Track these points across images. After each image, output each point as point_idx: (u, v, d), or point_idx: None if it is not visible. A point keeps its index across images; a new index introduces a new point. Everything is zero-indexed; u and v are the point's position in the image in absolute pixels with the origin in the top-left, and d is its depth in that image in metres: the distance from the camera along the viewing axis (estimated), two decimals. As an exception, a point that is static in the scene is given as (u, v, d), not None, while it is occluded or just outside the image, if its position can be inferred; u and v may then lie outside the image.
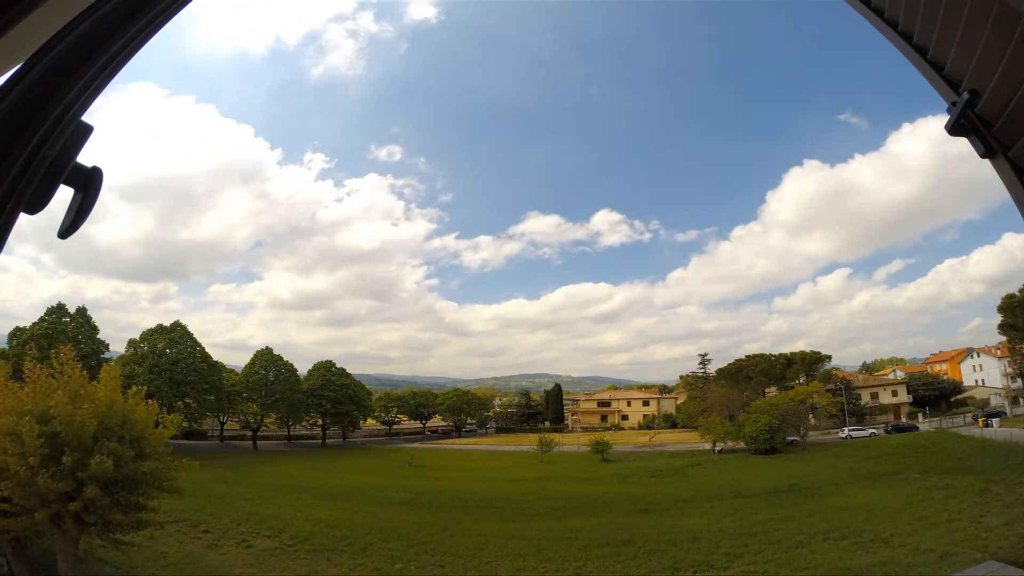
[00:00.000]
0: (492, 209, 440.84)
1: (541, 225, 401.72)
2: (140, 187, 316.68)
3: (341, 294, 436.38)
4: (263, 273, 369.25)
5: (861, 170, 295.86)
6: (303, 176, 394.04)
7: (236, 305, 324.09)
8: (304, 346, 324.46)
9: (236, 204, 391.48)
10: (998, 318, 51.02)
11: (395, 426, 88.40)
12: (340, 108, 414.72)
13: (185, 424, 53.42)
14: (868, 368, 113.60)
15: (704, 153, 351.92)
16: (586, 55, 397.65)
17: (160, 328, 56.69)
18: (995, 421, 49.22)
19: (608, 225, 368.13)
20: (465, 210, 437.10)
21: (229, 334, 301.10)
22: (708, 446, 51.12)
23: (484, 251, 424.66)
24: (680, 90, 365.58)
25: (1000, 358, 68.83)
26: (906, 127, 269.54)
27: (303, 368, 70.82)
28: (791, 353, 69.56)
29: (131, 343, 55.52)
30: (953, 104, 2.02)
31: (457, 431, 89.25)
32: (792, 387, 60.18)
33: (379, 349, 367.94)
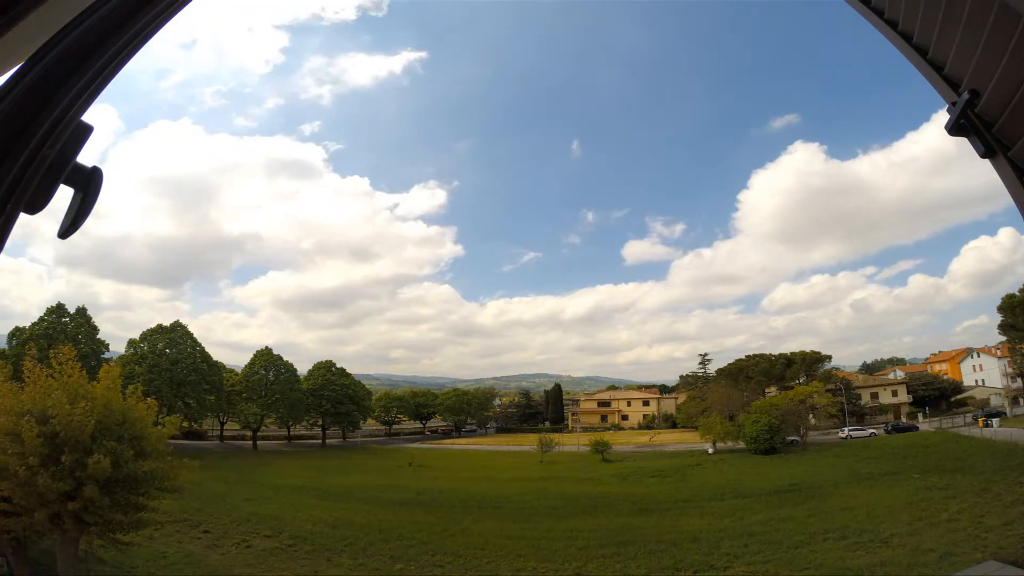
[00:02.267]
0: (502, 213, 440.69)
1: (542, 227, 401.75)
2: (159, 184, 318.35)
3: (348, 295, 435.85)
4: (272, 274, 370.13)
5: (860, 171, 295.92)
6: (330, 178, 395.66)
7: (244, 306, 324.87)
8: (305, 346, 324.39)
9: (248, 203, 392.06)
10: (998, 317, 51.12)
11: (395, 426, 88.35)
12: (378, 114, 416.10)
13: (185, 424, 53.51)
14: (868, 368, 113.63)
15: (697, 152, 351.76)
16: (595, 60, 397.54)
17: (160, 328, 56.67)
18: (995, 421, 49.14)
19: (607, 226, 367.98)
20: (476, 214, 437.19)
21: (236, 335, 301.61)
22: (708, 446, 51.13)
23: (495, 252, 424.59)
24: (680, 90, 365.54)
25: (1000, 358, 68.78)
26: (908, 125, 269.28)
27: (304, 368, 71.02)
28: (791, 353, 69.52)
29: (131, 343, 55.53)
30: (953, 104, 2.02)
31: (457, 431, 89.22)
32: (792, 387, 60.13)
33: (381, 349, 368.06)
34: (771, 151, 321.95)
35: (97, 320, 52.85)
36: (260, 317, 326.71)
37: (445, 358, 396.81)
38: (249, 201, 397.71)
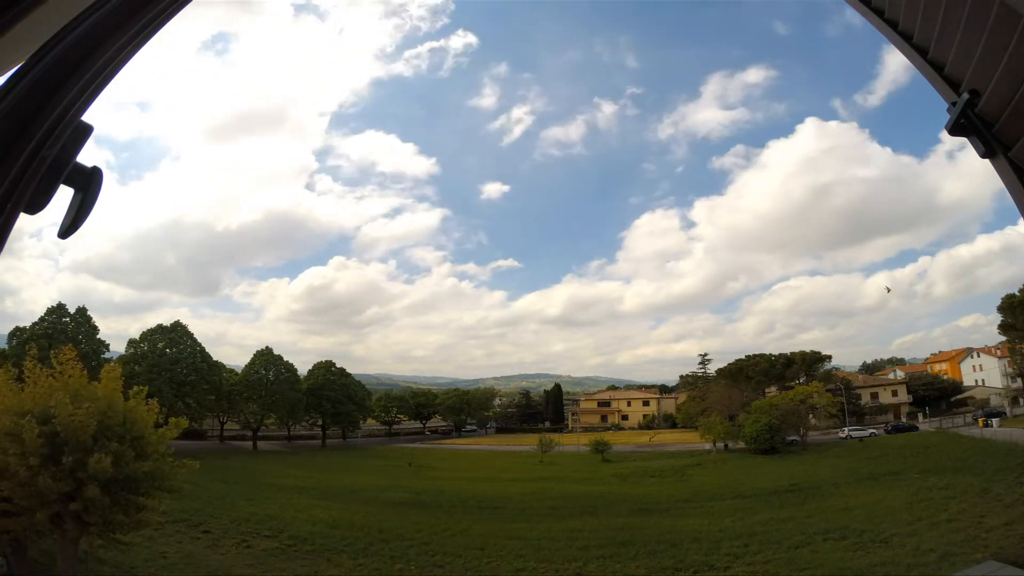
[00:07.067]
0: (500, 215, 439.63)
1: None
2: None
3: (351, 296, 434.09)
4: (278, 277, 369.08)
5: (861, 172, 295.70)
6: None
7: (253, 308, 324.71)
8: (305, 346, 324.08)
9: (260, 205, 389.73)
10: (998, 317, 51.16)
11: (395, 426, 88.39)
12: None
13: (186, 424, 53.61)
14: (868, 368, 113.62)
15: (696, 149, 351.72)
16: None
17: (160, 328, 56.77)
18: (995, 421, 49.17)
19: (608, 224, 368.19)
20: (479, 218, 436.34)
21: (241, 336, 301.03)
22: (708, 446, 51.17)
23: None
24: (685, 89, 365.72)
25: (1000, 358, 68.76)
26: (908, 123, 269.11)
27: (304, 369, 71.02)
28: (791, 353, 69.51)
29: (131, 343, 55.65)
30: (953, 104, 2.02)
31: (457, 431, 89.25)
32: (792, 387, 60.14)
33: (381, 351, 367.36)
34: (770, 152, 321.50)
35: (105, 319, 52.98)
36: (266, 318, 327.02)
37: (446, 359, 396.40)
38: (263, 197, 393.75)
